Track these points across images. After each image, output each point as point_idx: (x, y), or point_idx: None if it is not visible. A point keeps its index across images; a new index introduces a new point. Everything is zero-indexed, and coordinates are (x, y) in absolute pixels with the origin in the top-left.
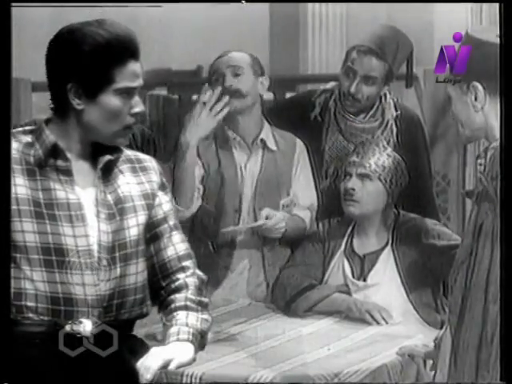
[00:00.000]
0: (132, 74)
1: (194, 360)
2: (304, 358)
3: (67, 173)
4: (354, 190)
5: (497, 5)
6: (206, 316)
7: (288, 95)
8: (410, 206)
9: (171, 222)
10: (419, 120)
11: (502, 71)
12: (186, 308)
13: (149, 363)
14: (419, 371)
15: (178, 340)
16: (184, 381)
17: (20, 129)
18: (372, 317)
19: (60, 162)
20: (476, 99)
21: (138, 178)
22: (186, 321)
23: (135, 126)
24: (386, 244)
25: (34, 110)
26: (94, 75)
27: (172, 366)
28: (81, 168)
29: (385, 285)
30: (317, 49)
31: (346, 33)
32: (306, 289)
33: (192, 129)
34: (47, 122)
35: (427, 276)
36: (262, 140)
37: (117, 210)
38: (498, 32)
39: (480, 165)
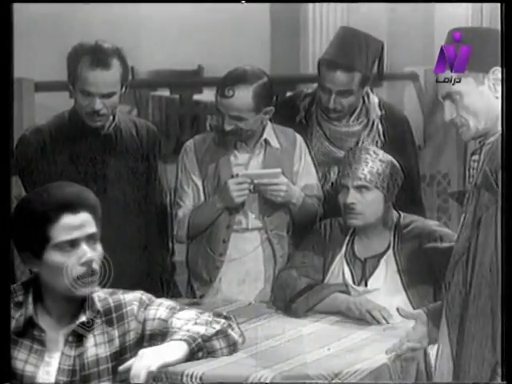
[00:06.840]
0: (67, 227)
1: (184, 359)
2: (304, 358)
3: (41, 343)
4: (353, 203)
5: (496, 4)
6: (216, 325)
7: (289, 94)
8: (398, 206)
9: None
10: (405, 118)
11: (503, 70)
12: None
13: (136, 365)
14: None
15: (170, 340)
16: (184, 381)
17: (15, 286)
18: (372, 316)
19: (36, 332)
20: (496, 85)
21: (110, 334)
22: (188, 328)
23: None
24: (388, 247)
25: (37, 110)
26: (34, 237)
27: (154, 368)
28: (55, 333)
29: (386, 287)
30: (317, 48)
31: None
32: (305, 289)
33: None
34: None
35: (429, 278)
36: (265, 140)
37: (79, 378)
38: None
39: (474, 161)
